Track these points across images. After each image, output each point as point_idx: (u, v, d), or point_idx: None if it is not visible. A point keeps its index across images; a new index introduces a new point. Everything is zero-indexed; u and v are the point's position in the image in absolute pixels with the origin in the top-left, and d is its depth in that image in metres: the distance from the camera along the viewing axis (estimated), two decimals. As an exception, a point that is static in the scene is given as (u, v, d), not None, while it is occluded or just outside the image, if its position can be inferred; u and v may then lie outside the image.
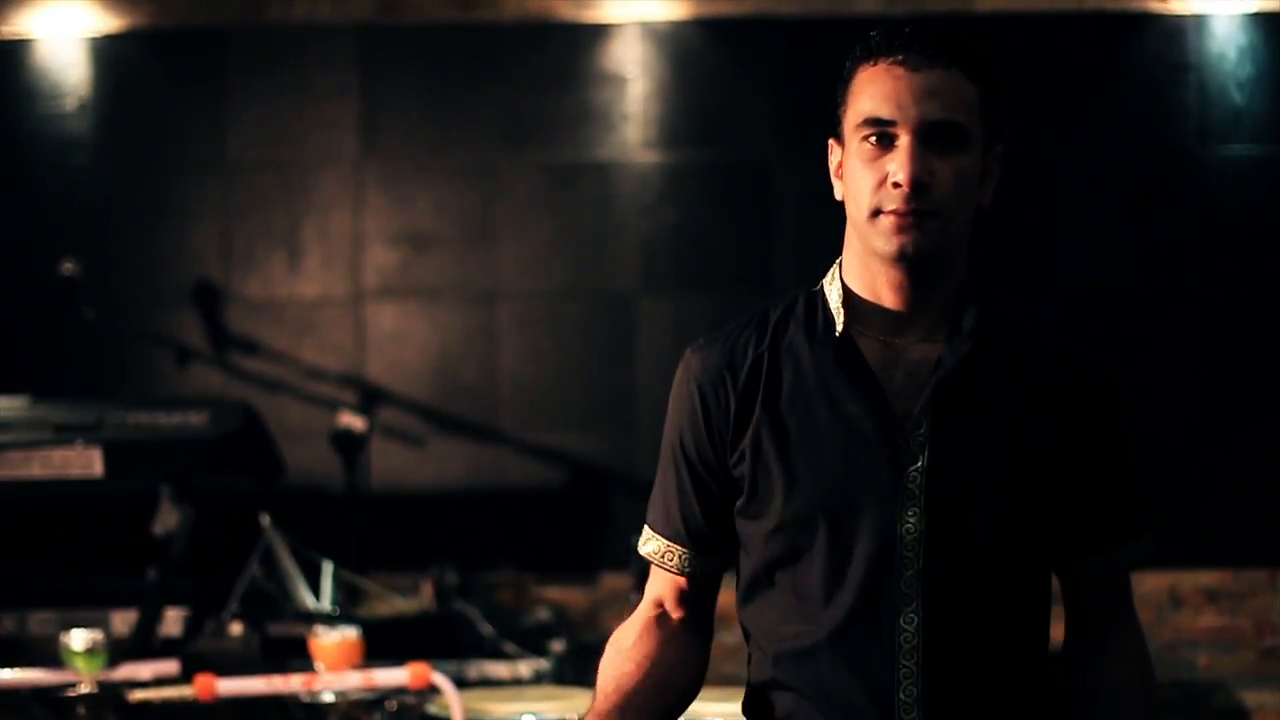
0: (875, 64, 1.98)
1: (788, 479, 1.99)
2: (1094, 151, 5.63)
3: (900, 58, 1.97)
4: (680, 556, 2.12)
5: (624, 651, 2.11)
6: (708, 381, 2.06)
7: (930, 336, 2.01)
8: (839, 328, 2.01)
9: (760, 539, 2.03)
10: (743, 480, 2.04)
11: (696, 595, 2.14)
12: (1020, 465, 1.98)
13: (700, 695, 4.50)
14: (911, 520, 1.95)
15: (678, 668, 2.12)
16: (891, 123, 1.96)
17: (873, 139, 1.97)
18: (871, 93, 1.97)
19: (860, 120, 1.98)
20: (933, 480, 1.95)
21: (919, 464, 1.96)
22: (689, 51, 5.67)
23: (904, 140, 1.95)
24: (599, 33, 5.67)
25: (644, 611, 2.15)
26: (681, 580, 2.13)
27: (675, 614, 2.15)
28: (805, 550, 1.99)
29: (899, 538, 1.95)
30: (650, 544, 2.14)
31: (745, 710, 2.10)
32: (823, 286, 2.07)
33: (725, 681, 3.23)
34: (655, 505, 2.14)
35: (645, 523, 2.15)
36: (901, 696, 1.95)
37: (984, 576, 1.97)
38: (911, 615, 1.95)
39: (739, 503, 2.05)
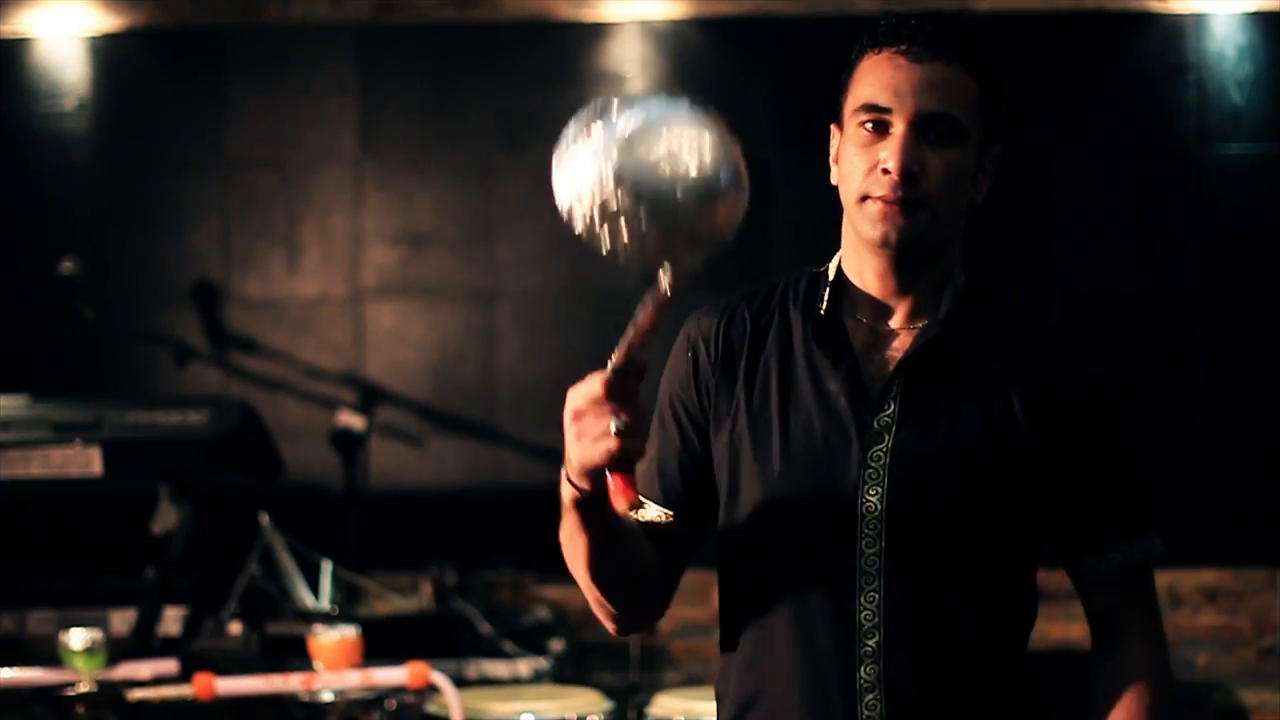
0: (879, 52, 2.00)
1: (764, 452, 2.01)
2: (1093, 151, 5.63)
3: (904, 47, 1.98)
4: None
5: None
6: (702, 344, 2.09)
7: (911, 324, 2.03)
8: (824, 307, 2.04)
9: (735, 512, 2.04)
10: (723, 450, 2.05)
11: (661, 556, 2.08)
12: (988, 452, 1.98)
13: (699, 695, 4.50)
14: (873, 499, 1.96)
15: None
16: (888, 110, 1.97)
17: (868, 125, 1.98)
18: (872, 80, 1.99)
19: (858, 106, 2.00)
20: (896, 461, 1.96)
21: (884, 444, 1.97)
22: (689, 50, 5.67)
23: (898, 129, 1.97)
24: (598, 32, 5.67)
25: None
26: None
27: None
28: (774, 526, 2.00)
29: (860, 516, 1.96)
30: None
31: (717, 688, 2.10)
32: (826, 267, 2.10)
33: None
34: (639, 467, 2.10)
35: None
36: (862, 675, 1.95)
37: (946, 560, 1.97)
38: (872, 594, 1.95)
39: (720, 476, 2.06)
